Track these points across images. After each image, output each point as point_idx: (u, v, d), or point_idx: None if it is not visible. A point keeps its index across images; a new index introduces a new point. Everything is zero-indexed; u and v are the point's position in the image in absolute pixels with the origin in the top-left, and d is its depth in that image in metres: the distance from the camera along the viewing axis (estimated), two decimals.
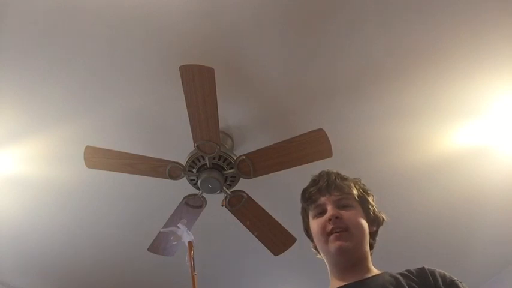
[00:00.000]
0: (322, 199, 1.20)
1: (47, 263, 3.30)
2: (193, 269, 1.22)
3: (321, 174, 1.25)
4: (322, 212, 1.20)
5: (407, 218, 2.91)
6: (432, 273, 1.12)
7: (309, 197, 1.23)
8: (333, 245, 1.14)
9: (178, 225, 1.29)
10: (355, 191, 1.22)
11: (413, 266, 1.20)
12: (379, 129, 2.40)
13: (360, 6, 1.87)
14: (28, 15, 1.86)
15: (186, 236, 1.27)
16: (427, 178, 2.66)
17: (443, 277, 1.11)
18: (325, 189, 1.20)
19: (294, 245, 2.58)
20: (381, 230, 1.27)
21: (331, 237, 1.15)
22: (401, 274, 1.14)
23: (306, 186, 1.27)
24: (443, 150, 2.49)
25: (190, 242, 1.26)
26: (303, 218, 1.29)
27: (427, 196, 2.78)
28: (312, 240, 1.26)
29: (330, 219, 1.16)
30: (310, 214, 1.24)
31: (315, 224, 1.20)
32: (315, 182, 1.24)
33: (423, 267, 1.14)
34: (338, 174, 1.25)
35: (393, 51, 2.04)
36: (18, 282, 3.48)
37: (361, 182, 1.28)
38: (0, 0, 1.80)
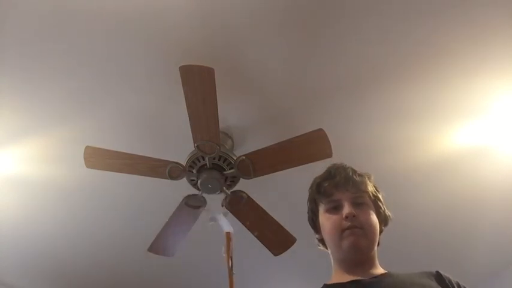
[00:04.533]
0: (338, 195, 1.18)
1: (46, 263, 3.30)
2: (230, 266, 1.13)
3: (336, 168, 1.23)
4: (337, 207, 1.18)
5: (407, 218, 2.91)
6: (448, 280, 1.13)
7: (324, 191, 1.20)
8: (347, 240, 1.13)
9: (221, 213, 1.25)
10: (370, 188, 1.21)
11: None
12: (379, 130, 2.40)
13: (361, 7, 1.87)
14: (28, 16, 1.86)
15: (225, 225, 1.20)
16: (427, 178, 2.66)
17: (458, 285, 1.13)
18: (343, 185, 1.18)
19: (294, 245, 2.58)
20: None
21: (346, 232, 1.13)
22: (417, 274, 1.14)
23: (319, 177, 1.24)
24: (443, 150, 2.49)
25: (228, 233, 1.18)
26: (311, 208, 1.26)
27: (427, 196, 2.78)
28: (317, 232, 1.25)
29: (347, 217, 1.14)
30: (322, 207, 1.22)
31: (328, 220, 1.18)
32: (330, 175, 1.22)
33: (438, 272, 1.15)
34: (354, 169, 1.23)
35: (393, 51, 2.04)
36: (18, 282, 3.48)
37: (372, 178, 1.27)
38: (1, 1, 1.80)
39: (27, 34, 1.93)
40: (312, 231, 1.29)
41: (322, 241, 1.24)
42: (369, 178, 1.24)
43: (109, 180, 2.55)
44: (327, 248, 1.24)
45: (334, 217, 1.17)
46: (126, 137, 2.41)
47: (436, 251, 3.16)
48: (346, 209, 1.15)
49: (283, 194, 2.66)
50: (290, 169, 2.22)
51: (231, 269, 1.12)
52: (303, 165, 2.16)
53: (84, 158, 2.23)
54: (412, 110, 2.30)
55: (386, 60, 2.08)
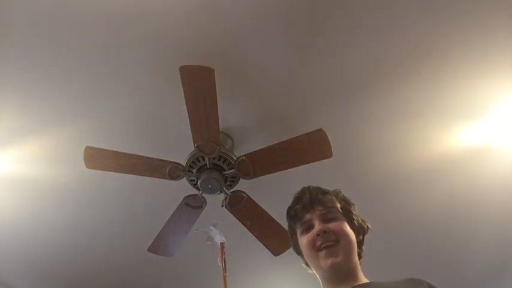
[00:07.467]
0: (308, 215, 1.23)
1: (47, 264, 3.30)
2: (224, 269, 1.23)
3: (303, 191, 1.28)
4: (309, 228, 1.22)
5: (408, 218, 2.91)
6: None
7: (295, 215, 1.26)
8: (325, 262, 1.16)
9: (210, 227, 1.30)
10: (338, 204, 1.25)
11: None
12: (379, 130, 2.40)
13: (361, 7, 1.87)
14: (27, 17, 1.86)
15: (217, 237, 1.28)
16: (427, 179, 2.66)
17: None
18: (309, 205, 1.23)
19: None
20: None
21: (322, 253, 1.17)
22: (400, 282, 1.13)
23: (289, 205, 1.29)
24: (444, 151, 2.49)
25: (221, 243, 1.27)
26: (291, 236, 1.31)
27: (426, 197, 2.78)
28: (303, 257, 1.28)
29: (318, 234, 1.18)
30: (298, 231, 1.26)
31: (304, 240, 1.22)
32: (298, 199, 1.27)
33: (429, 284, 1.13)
34: (319, 188, 1.28)
35: (394, 51, 2.04)
36: (18, 282, 3.47)
37: (342, 193, 1.31)
38: (0, 2, 1.80)
39: (27, 35, 1.93)
40: None
41: (307, 264, 1.27)
42: (336, 195, 1.28)
43: (109, 180, 2.55)
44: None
45: (308, 236, 1.21)
46: (126, 137, 2.41)
47: (436, 252, 3.16)
48: (317, 226, 1.19)
49: (283, 194, 2.65)
50: (290, 169, 2.22)
51: (224, 271, 1.22)
52: (303, 165, 2.17)
53: (84, 159, 2.23)
54: (412, 110, 2.30)
55: (386, 61, 2.08)
